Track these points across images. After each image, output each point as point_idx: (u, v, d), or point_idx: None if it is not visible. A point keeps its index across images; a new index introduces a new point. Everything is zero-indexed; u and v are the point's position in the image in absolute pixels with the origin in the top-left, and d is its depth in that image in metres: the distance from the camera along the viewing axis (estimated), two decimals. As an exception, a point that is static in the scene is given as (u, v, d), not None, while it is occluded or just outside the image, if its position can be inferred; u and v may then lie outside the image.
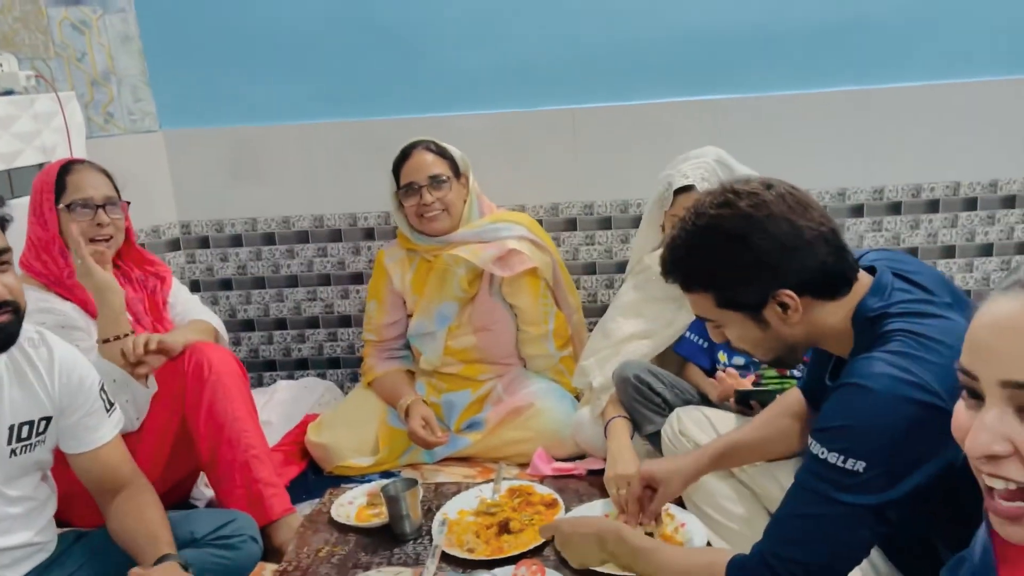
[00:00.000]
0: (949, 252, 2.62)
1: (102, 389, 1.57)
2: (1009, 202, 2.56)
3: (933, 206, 2.59)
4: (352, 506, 1.98)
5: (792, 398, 1.64)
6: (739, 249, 1.22)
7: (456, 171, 2.31)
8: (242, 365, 1.97)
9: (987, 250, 2.61)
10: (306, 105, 2.67)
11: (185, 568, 1.49)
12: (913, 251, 2.61)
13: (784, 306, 1.24)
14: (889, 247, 2.61)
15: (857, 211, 2.59)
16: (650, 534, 1.62)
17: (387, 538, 1.85)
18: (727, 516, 1.74)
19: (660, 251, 2.21)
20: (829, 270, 1.24)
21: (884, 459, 1.11)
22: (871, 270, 1.30)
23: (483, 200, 2.38)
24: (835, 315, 1.26)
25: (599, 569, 1.54)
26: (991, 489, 0.73)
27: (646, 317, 2.21)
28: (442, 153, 2.30)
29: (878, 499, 1.12)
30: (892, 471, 1.12)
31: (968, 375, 0.74)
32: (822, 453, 1.15)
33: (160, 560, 1.46)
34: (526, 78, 2.59)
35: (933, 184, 2.56)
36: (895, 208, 2.59)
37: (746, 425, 1.67)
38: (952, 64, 2.47)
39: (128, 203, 2.03)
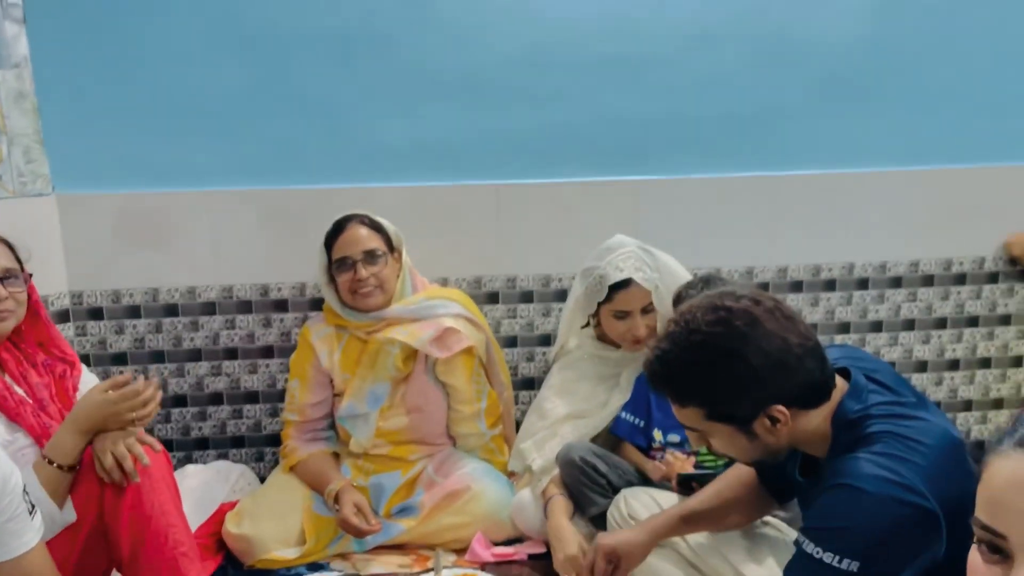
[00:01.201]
0: (844, 328, 2.79)
1: (24, 490, 1.41)
2: (896, 282, 2.77)
3: (830, 285, 2.76)
4: (283, 604, 1.86)
5: (743, 472, 1.68)
6: (735, 366, 1.25)
7: (390, 246, 2.26)
8: (168, 455, 1.82)
9: (877, 327, 2.81)
10: (215, 171, 2.54)
11: None
12: (813, 327, 2.76)
13: (774, 420, 1.27)
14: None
15: (763, 288, 2.72)
16: None
17: (328, 639, 1.74)
18: (675, 598, 1.75)
19: (585, 331, 2.28)
20: (815, 382, 1.29)
21: (878, 558, 1.16)
22: (842, 371, 1.36)
23: (415, 275, 2.34)
24: (815, 420, 1.31)
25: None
26: None
27: (580, 396, 2.23)
28: (376, 227, 2.25)
29: None
30: (885, 570, 1.16)
31: (993, 533, 0.74)
32: (817, 552, 1.18)
33: None
34: (449, 152, 2.59)
35: (831, 264, 2.74)
36: (797, 287, 2.74)
37: (700, 495, 1.70)
38: (849, 155, 2.67)
39: (31, 275, 1.86)
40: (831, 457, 1.30)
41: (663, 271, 2.15)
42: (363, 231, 2.21)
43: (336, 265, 2.21)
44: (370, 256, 2.19)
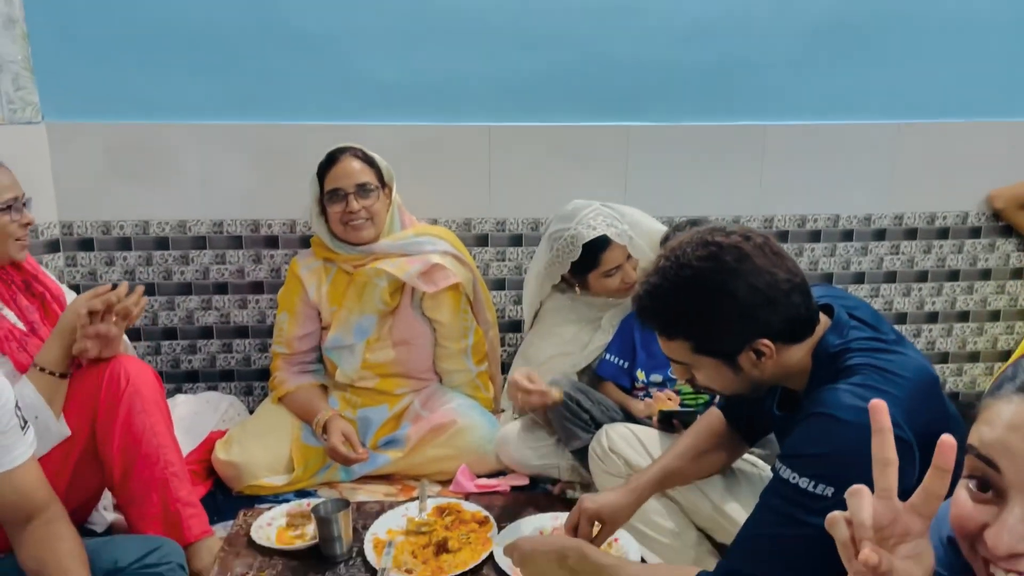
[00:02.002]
0: (827, 279, 2.84)
1: (16, 406, 1.43)
2: (880, 235, 2.81)
3: (815, 236, 2.79)
4: (271, 528, 1.90)
5: (714, 420, 1.73)
6: (723, 301, 1.27)
7: (382, 181, 2.27)
8: (159, 377, 1.85)
9: (859, 278, 2.85)
10: (208, 104, 2.53)
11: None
12: (797, 277, 2.81)
13: (759, 353, 1.31)
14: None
15: (749, 238, 2.75)
16: None
17: (315, 560, 1.79)
18: (658, 531, 1.80)
19: (560, 295, 2.30)
20: (801, 317, 1.32)
21: (852, 484, 1.19)
22: (825, 308, 1.40)
23: (404, 212, 2.35)
24: (798, 355, 1.34)
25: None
26: None
27: (563, 338, 2.27)
28: (369, 161, 2.25)
29: None
30: None
31: (988, 463, 0.76)
32: (793, 478, 1.21)
33: None
34: (442, 92, 2.59)
35: (816, 216, 2.77)
36: (783, 237, 2.78)
37: (676, 449, 1.72)
38: (838, 107, 2.68)
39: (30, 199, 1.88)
40: (810, 390, 1.33)
41: (632, 223, 2.19)
42: (356, 164, 2.22)
43: (328, 196, 2.22)
44: (363, 189, 2.21)
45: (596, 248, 2.13)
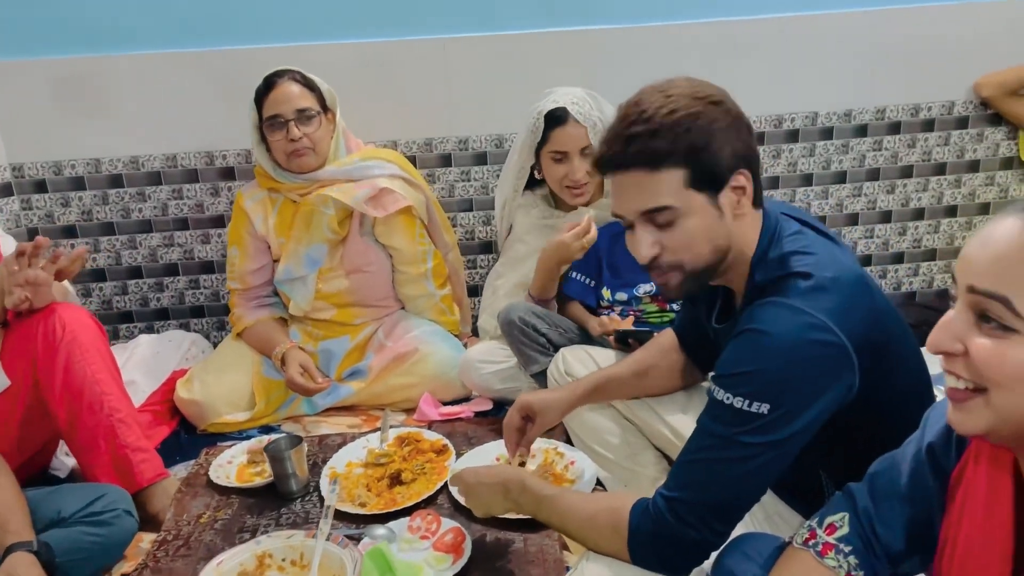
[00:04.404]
0: (807, 180, 2.73)
1: None
2: (861, 131, 2.69)
3: (793, 136, 2.68)
4: (232, 466, 1.90)
5: (666, 338, 1.68)
6: (718, 113, 1.20)
7: (324, 105, 2.18)
8: (99, 323, 1.82)
9: (841, 177, 2.74)
10: (148, 33, 2.43)
11: (46, 553, 1.39)
12: (775, 180, 2.71)
13: (737, 190, 1.23)
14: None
15: (724, 142, 2.64)
16: (522, 463, 1.63)
17: (272, 498, 1.79)
18: (611, 450, 1.78)
19: (529, 205, 2.22)
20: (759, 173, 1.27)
21: (786, 400, 1.15)
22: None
23: (349, 137, 2.26)
24: (749, 234, 1.27)
25: (502, 516, 1.53)
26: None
27: (529, 265, 2.20)
28: (309, 85, 2.15)
29: (780, 435, 1.15)
30: (793, 409, 1.15)
31: (953, 280, 0.82)
32: (727, 399, 1.17)
33: (8, 551, 1.35)
34: (391, 4, 2.46)
35: (793, 115, 2.65)
36: (759, 138, 2.66)
37: (623, 360, 1.70)
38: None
39: None
40: (746, 303, 1.28)
41: (608, 117, 2.06)
42: (295, 88, 2.12)
43: (267, 123, 2.13)
44: (303, 115, 2.12)
45: (553, 123, 2.03)
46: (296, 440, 1.80)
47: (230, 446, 1.98)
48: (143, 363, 2.28)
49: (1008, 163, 2.76)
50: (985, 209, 2.82)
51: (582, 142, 2.02)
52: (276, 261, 2.28)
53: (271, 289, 2.35)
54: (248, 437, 2.08)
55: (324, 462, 1.87)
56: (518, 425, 1.61)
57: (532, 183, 2.24)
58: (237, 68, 2.43)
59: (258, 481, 1.82)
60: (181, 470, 1.97)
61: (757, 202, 1.27)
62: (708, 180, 1.22)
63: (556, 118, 2.03)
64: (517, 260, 2.23)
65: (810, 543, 1.01)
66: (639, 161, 1.21)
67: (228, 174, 2.56)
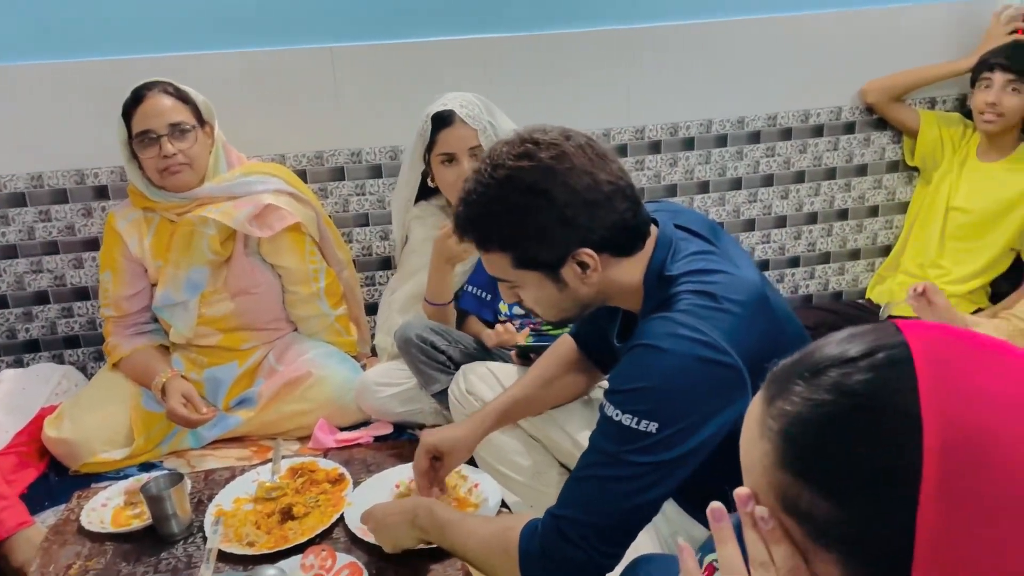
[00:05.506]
0: (704, 187, 2.74)
1: None
2: (754, 138, 2.72)
3: (689, 144, 2.68)
4: (107, 509, 1.75)
5: (565, 347, 1.64)
6: (540, 204, 1.15)
7: (200, 119, 2.04)
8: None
9: (736, 184, 2.76)
10: (10, 41, 2.24)
11: None
12: (672, 188, 2.71)
13: (583, 265, 1.19)
14: (652, 185, 2.69)
15: (622, 151, 2.63)
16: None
17: (152, 542, 1.64)
18: (517, 471, 1.73)
19: (426, 214, 2.15)
20: (627, 226, 1.20)
21: (676, 419, 1.11)
22: (653, 223, 1.29)
23: (230, 151, 2.14)
24: (629, 273, 1.24)
25: (412, 549, 1.44)
26: None
27: (422, 277, 2.12)
28: (183, 97, 2.02)
29: (668, 456, 1.12)
30: (683, 429, 1.12)
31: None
32: (616, 415, 1.13)
33: None
34: (274, 11, 2.35)
35: (688, 123, 2.65)
36: (655, 147, 2.66)
37: (524, 379, 1.65)
38: (701, 4, 2.54)
39: None
40: (642, 318, 1.24)
41: (499, 122, 2.00)
42: (166, 101, 1.99)
43: (137, 140, 1.99)
44: (177, 130, 1.98)
45: (440, 124, 1.96)
46: (177, 477, 1.66)
47: (105, 487, 1.82)
48: (7, 400, 2.07)
49: (894, 166, 2.84)
50: (874, 212, 2.89)
51: (470, 142, 1.95)
52: (154, 285, 2.12)
53: (149, 315, 2.19)
54: (127, 476, 1.92)
55: (210, 499, 1.74)
56: (426, 468, 1.53)
57: (429, 193, 2.16)
58: (110, 80, 2.25)
59: (136, 524, 1.67)
60: (50, 516, 1.80)
61: (626, 251, 1.23)
62: (536, 264, 1.20)
63: (443, 119, 1.97)
64: (411, 272, 2.15)
65: None
66: (471, 240, 1.24)
67: (101, 193, 2.39)
